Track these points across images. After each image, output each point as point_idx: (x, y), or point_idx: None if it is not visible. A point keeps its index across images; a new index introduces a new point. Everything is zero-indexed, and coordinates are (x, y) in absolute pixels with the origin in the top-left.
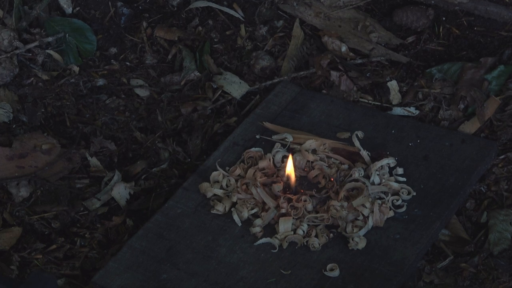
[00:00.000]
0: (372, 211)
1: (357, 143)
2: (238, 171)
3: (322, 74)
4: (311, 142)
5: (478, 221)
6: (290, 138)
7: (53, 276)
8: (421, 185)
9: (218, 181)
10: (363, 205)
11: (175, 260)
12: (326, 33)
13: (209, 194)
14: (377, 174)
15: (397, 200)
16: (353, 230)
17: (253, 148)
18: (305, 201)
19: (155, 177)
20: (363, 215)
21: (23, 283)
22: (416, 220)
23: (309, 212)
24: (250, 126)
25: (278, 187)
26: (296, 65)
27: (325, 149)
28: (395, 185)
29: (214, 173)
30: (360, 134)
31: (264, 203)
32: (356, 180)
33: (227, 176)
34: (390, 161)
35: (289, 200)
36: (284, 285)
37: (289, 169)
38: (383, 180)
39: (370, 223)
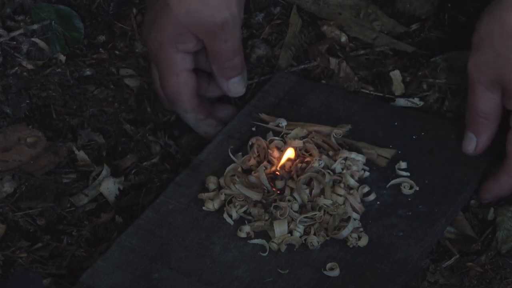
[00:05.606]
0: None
1: (333, 140)
2: (252, 161)
3: (321, 62)
4: (298, 131)
5: (485, 218)
6: (284, 123)
7: (39, 276)
8: (426, 180)
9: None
10: (337, 194)
11: (167, 258)
12: (326, 22)
13: (211, 187)
14: (340, 163)
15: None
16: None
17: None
18: (289, 200)
19: (146, 171)
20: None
21: (7, 283)
22: (420, 217)
23: (295, 211)
24: (246, 118)
25: (261, 169)
26: (294, 54)
27: (312, 138)
28: (352, 182)
29: (233, 165)
30: (336, 133)
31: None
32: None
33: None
34: (361, 158)
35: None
36: (281, 285)
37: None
38: (344, 171)
39: (356, 217)
